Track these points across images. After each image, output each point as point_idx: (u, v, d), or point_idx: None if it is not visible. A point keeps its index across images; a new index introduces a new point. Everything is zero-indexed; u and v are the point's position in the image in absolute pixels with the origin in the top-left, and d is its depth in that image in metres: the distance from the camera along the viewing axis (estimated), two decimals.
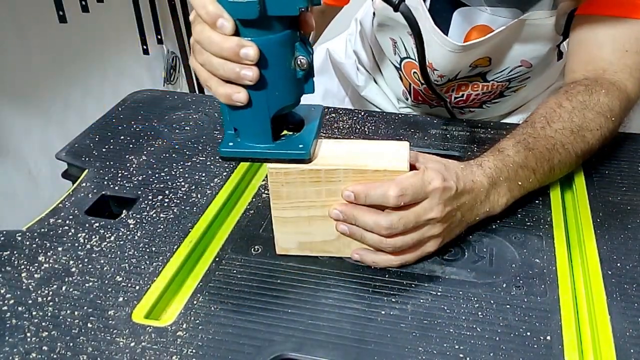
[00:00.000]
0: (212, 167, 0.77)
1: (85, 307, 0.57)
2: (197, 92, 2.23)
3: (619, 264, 0.60)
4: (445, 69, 0.86)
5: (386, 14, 0.87)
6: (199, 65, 0.55)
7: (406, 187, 0.56)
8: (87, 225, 0.68)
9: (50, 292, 0.59)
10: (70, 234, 0.66)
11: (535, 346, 0.53)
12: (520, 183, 0.66)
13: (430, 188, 0.57)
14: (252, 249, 0.64)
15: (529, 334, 0.54)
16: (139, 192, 0.72)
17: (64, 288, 0.59)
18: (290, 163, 0.57)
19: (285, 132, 0.60)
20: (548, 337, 0.53)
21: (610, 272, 0.60)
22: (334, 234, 0.61)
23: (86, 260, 0.63)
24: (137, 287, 0.59)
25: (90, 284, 0.60)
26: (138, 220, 0.68)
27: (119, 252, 0.64)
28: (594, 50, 0.77)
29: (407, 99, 1.00)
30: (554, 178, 0.71)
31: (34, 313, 0.57)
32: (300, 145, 0.57)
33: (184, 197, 0.71)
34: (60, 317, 0.56)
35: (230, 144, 0.57)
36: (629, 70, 0.75)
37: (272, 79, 0.53)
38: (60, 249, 0.64)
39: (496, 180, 0.63)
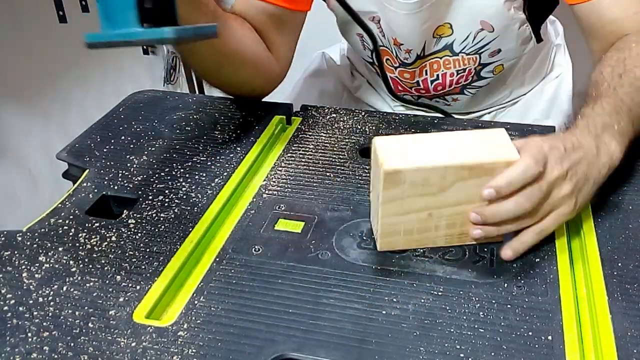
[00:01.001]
0: (212, 167, 0.77)
1: (86, 307, 0.57)
2: (197, 92, 2.23)
3: (620, 264, 0.60)
4: (409, 39, 0.87)
5: (343, 11, 0.88)
6: None
7: (536, 155, 0.57)
8: (87, 225, 0.68)
9: (51, 292, 0.59)
10: (70, 234, 0.66)
11: (537, 346, 0.53)
12: (616, 127, 0.65)
13: (543, 151, 0.58)
14: (253, 249, 0.64)
15: (530, 333, 0.54)
16: (140, 192, 0.72)
17: (64, 288, 0.59)
18: (152, 44, 0.56)
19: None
20: (549, 337, 0.53)
21: (611, 272, 0.59)
22: (433, 229, 0.62)
23: (87, 260, 0.63)
24: (138, 287, 0.59)
25: (91, 284, 0.60)
26: (139, 220, 0.68)
27: (119, 252, 0.64)
28: (608, 27, 0.80)
29: (394, 96, 1.01)
30: (638, 115, 0.70)
31: (34, 313, 0.57)
32: (166, 29, 0.54)
33: (185, 197, 0.71)
34: (61, 317, 0.56)
35: (99, 33, 0.56)
36: None
37: None
38: (60, 249, 0.64)
39: (595, 133, 0.64)
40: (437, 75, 0.94)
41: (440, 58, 0.92)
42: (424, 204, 0.60)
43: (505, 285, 0.59)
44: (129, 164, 0.78)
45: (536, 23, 0.91)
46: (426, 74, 0.94)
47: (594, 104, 0.68)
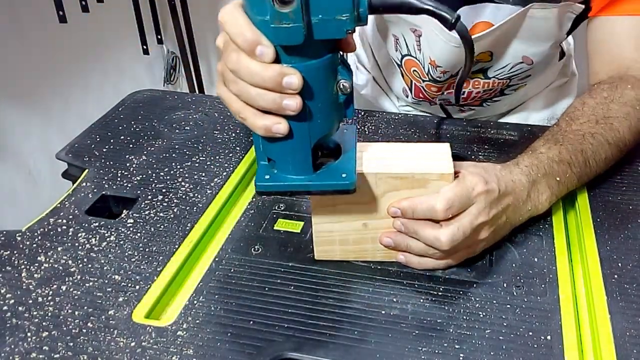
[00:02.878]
0: (212, 167, 0.77)
1: (85, 307, 0.57)
2: (197, 92, 2.23)
3: (619, 264, 0.60)
4: (448, 64, 0.86)
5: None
6: (231, 96, 0.51)
7: (452, 199, 0.56)
8: (87, 225, 0.68)
9: (51, 292, 0.59)
10: (70, 233, 0.66)
11: (536, 346, 0.53)
12: (558, 179, 0.65)
13: (475, 193, 0.57)
14: (252, 249, 0.64)
15: (529, 333, 0.54)
16: (139, 192, 0.72)
17: (64, 288, 0.59)
18: (333, 194, 0.54)
19: (321, 159, 0.56)
20: (548, 337, 0.53)
21: (610, 272, 0.59)
22: (370, 241, 0.61)
23: (86, 260, 0.63)
24: (137, 287, 0.59)
25: (91, 283, 0.60)
26: (138, 220, 0.68)
27: (119, 252, 0.64)
28: (615, 50, 0.78)
29: (407, 97, 1.00)
30: (590, 171, 0.69)
31: (34, 313, 0.57)
32: (343, 175, 0.53)
33: (184, 197, 0.71)
34: (61, 317, 0.56)
35: (267, 177, 0.53)
36: None
37: (315, 106, 0.50)
38: (60, 248, 0.64)
39: (534, 178, 0.63)
40: (464, 92, 0.94)
41: (472, 78, 0.91)
42: (357, 212, 0.59)
43: (505, 285, 0.59)
44: (128, 164, 0.78)
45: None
46: (453, 89, 0.93)
47: (555, 144, 0.67)
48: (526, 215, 0.64)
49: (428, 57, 0.87)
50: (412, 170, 0.57)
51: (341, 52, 0.51)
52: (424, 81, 0.93)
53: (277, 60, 0.47)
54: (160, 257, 0.63)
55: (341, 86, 0.51)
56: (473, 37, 0.81)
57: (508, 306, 0.57)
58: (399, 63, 0.96)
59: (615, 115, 0.70)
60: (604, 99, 0.72)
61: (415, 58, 0.90)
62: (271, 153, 0.53)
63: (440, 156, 0.59)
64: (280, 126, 0.50)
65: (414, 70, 0.93)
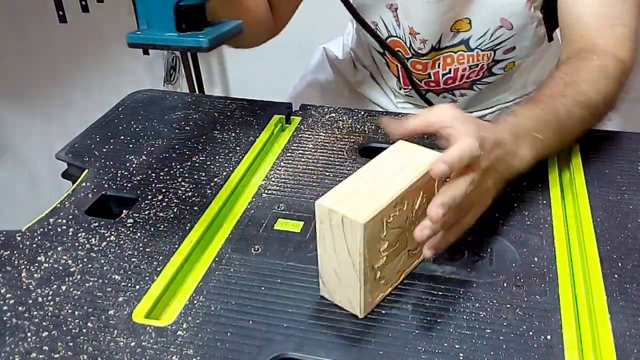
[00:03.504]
0: (212, 167, 0.77)
1: (85, 307, 0.57)
2: (197, 92, 2.23)
3: (619, 264, 0.60)
4: (427, 30, 0.87)
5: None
6: None
7: (476, 137, 0.56)
8: (87, 225, 0.68)
9: (51, 292, 0.59)
10: (70, 233, 0.66)
11: (536, 345, 0.53)
12: (540, 136, 0.66)
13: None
14: (252, 249, 0.64)
15: (529, 333, 0.54)
16: (139, 192, 0.72)
17: (64, 288, 0.59)
18: (188, 51, 0.58)
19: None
20: (548, 337, 0.53)
21: (610, 272, 0.60)
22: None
23: (86, 260, 0.63)
24: (137, 287, 0.59)
25: (91, 283, 0.60)
26: (138, 220, 0.68)
27: (119, 252, 0.64)
28: (582, 31, 0.79)
29: (400, 89, 1.01)
30: (569, 135, 0.71)
31: (34, 313, 0.57)
32: (201, 37, 0.58)
33: (184, 197, 0.71)
34: (61, 317, 0.56)
35: (139, 33, 0.59)
36: (619, 41, 0.77)
37: None
38: (60, 248, 0.64)
39: (518, 133, 0.64)
40: (450, 69, 0.94)
41: (455, 52, 0.92)
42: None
43: (505, 284, 0.59)
44: (128, 164, 0.78)
45: (551, 24, 0.92)
46: (439, 67, 0.94)
47: (531, 106, 0.69)
48: (515, 170, 0.65)
49: (407, 27, 0.88)
50: (409, 182, 0.54)
51: None
52: (408, 60, 0.93)
53: None
54: (160, 257, 0.63)
55: None
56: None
57: (508, 306, 0.57)
58: (382, 51, 0.96)
59: (583, 80, 0.72)
60: (571, 69, 0.74)
61: (397, 36, 0.91)
62: (144, 11, 0.59)
63: (411, 152, 0.58)
64: None
65: (399, 51, 0.94)
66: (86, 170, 0.77)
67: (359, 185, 0.54)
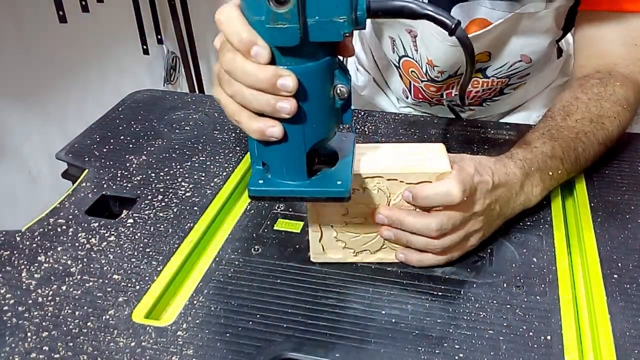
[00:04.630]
0: (212, 167, 0.77)
1: (85, 307, 0.57)
2: (197, 92, 2.23)
3: (619, 264, 0.60)
4: (445, 64, 0.86)
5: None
6: (226, 97, 0.50)
7: (465, 184, 0.56)
8: (87, 225, 0.68)
9: (51, 292, 0.59)
10: (70, 233, 0.66)
11: (535, 346, 0.53)
12: (550, 173, 0.66)
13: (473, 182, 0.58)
14: (252, 249, 0.64)
15: (529, 333, 0.54)
16: (139, 192, 0.72)
17: (64, 288, 0.59)
18: (327, 202, 0.53)
19: (317, 165, 0.55)
20: (548, 337, 0.53)
21: (610, 272, 0.60)
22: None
23: (86, 260, 0.63)
24: (137, 287, 0.59)
25: (91, 283, 0.60)
26: (138, 220, 0.68)
27: (119, 252, 0.64)
28: (603, 45, 0.78)
29: (407, 97, 1.00)
30: (579, 168, 0.71)
31: (34, 313, 0.57)
32: (339, 182, 0.52)
33: (184, 197, 0.71)
34: (61, 317, 0.56)
35: (260, 181, 0.52)
36: (639, 63, 0.77)
37: (310, 110, 0.49)
38: (60, 248, 0.64)
39: (528, 171, 0.64)
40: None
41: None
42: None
43: (504, 285, 0.59)
44: (128, 164, 0.78)
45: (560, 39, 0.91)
46: (452, 89, 0.94)
47: (549, 140, 0.68)
48: (518, 208, 0.65)
49: (425, 57, 0.87)
50: (411, 171, 0.57)
51: (339, 57, 0.50)
52: (422, 81, 0.93)
53: (273, 62, 0.47)
54: (160, 257, 0.63)
55: (338, 91, 0.50)
56: (469, 36, 0.81)
57: (508, 306, 0.57)
58: (397, 64, 0.96)
59: (607, 115, 0.72)
60: (595, 95, 0.73)
61: (413, 59, 0.90)
62: (265, 157, 0.52)
63: (436, 155, 0.59)
64: (275, 129, 0.49)
65: (412, 71, 0.93)
66: (86, 170, 0.77)
67: (365, 151, 0.59)
